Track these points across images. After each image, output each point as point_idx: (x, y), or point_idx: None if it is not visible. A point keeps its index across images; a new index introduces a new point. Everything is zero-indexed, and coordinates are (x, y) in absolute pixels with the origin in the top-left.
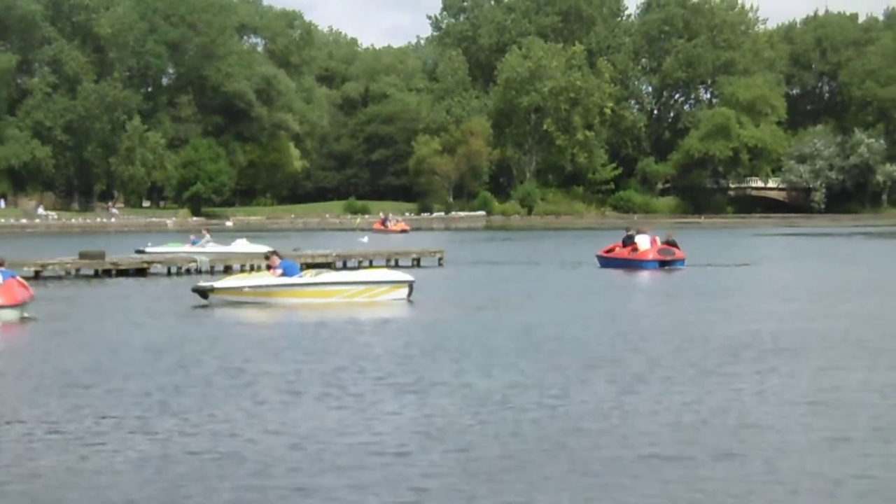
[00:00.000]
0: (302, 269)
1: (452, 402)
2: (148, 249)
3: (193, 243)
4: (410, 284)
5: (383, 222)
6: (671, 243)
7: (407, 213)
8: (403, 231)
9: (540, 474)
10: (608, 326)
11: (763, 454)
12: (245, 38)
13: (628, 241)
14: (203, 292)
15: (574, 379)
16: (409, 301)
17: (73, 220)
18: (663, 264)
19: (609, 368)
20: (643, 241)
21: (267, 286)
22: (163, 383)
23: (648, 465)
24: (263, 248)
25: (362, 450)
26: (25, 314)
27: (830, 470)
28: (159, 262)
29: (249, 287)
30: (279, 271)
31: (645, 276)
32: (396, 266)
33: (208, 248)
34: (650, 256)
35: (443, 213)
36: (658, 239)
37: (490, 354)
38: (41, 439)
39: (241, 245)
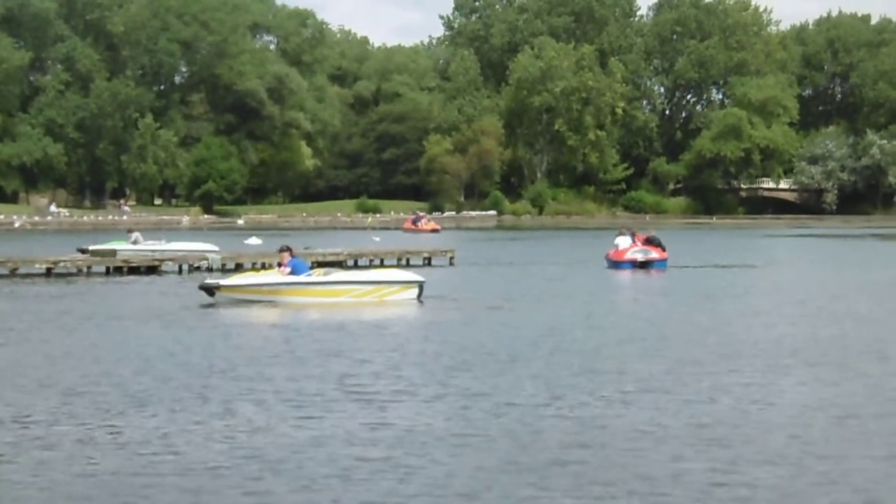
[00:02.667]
0: (313, 268)
1: (461, 407)
2: (91, 248)
3: (135, 242)
4: (420, 285)
5: (414, 222)
6: (651, 243)
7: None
8: (434, 231)
9: (566, 487)
10: (609, 329)
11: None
12: (257, 36)
13: None
14: (209, 290)
15: (580, 385)
16: (420, 302)
17: (84, 218)
18: (637, 265)
19: (611, 374)
20: (622, 242)
21: (273, 284)
22: (155, 387)
23: (680, 477)
24: (206, 246)
25: (369, 463)
26: None
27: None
28: (171, 260)
29: (255, 285)
30: (287, 270)
31: (621, 276)
32: (408, 265)
33: (140, 246)
34: (624, 257)
35: (454, 213)
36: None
37: (501, 357)
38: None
39: (179, 244)
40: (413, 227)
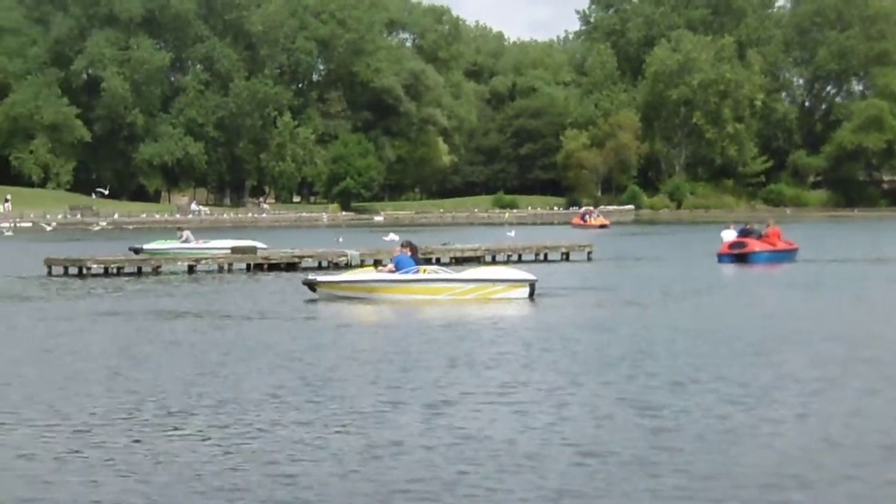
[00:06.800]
0: (448, 264)
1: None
2: (145, 247)
3: (185, 241)
4: (532, 284)
5: (582, 217)
6: (749, 234)
7: (555, 208)
8: (603, 226)
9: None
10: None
11: None
12: (394, 33)
13: None
14: (311, 285)
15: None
16: (532, 301)
17: (224, 216)
18: (734, 258)
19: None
20: (727, 235)
21: (369, 282)
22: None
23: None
24: (254, 243)
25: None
26: None
27: None
28: (310, 257)
29: (351, 282)
30: (390, 266)
31: (725, 270)
32: (545, 261)
33: (191, 244)
34: (723, 250)
35: (591, 208)
36: (780, 232)
37: (626, 361)
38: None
39: (221, 242)
40: (581, 222)
